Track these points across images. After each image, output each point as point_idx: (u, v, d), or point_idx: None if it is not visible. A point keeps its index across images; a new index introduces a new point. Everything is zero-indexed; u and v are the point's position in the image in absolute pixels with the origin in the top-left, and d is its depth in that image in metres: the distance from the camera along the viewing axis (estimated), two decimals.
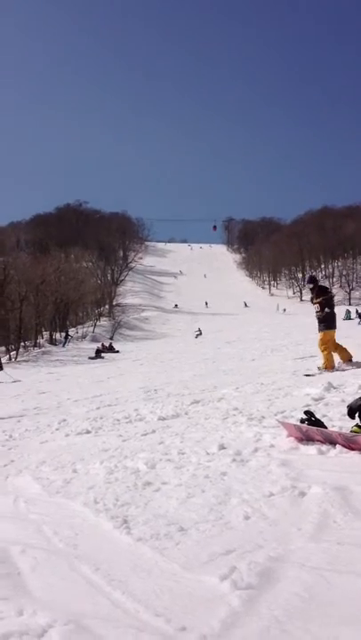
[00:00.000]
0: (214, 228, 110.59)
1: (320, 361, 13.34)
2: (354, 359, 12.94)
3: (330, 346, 13.02)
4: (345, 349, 13.07)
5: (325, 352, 12.90)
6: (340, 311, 60.32)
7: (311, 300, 13.85)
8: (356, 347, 20.84)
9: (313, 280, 14.16)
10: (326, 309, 13.25)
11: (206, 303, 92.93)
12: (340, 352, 13.06)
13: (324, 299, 13.37)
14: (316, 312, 13.45)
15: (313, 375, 12.14)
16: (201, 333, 50.23)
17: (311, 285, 13.94)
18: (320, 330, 13.28)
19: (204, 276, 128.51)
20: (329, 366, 12.68)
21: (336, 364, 12.83)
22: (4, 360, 38.13)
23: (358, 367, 12.50)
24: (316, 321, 13.50)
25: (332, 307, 13.44)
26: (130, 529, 4.13)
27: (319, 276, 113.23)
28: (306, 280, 14.77)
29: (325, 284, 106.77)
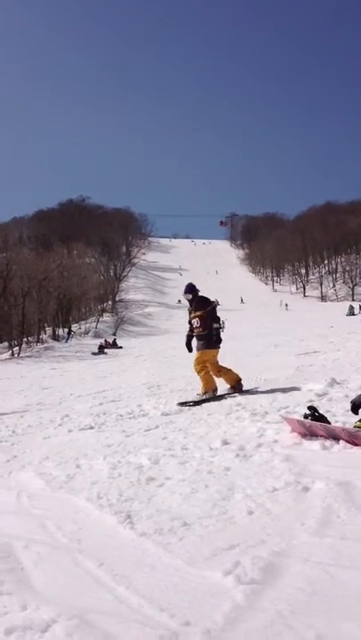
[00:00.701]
0: (221, 223, 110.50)
1: (322, 356, 13.19)
2: (358, 353, 12.77)
3: (209, 367, 10.95)
4: (230, 371, 10.98)
5: (202, 373, 10.79)
6: (343, 307, 60.35)
7: (190, 313, 11.43)
8: (359, 342, 20.89)
9: (191, 289, 11.59)
10: (215, 325, 11.10)
11: (242, 299, 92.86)
12: (224, 375, 10.91)
13: (206, 312, 11.06)
14: (196, 328, 11.09)
15: (190, 404, 10.22)
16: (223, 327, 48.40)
17: (190, 296, 11.47)
18: (198, 348, 11.09)
19: (216, 272, 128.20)
20: (209, 387, 10.63)
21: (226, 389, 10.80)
22: (6, 355, 38.24)
23: (250, 393, 10.49)
24: (198, 339, 11.18)
25: (216, 321, 11.25)
26: (133, 524, 4.13)
27: (323, 271, 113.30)
28: (184, 289, 11.86)
29: (329, 279, 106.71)
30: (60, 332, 53.65)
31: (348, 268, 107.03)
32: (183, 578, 3.17)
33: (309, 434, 6.25)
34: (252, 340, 31.42)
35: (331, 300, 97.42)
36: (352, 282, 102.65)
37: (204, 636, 2.54)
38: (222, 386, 10.80)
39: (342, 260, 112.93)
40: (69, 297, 59.34)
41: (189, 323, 11.25)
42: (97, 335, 53.32)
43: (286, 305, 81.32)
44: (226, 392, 10.55)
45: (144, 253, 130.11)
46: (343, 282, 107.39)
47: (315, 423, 6.28)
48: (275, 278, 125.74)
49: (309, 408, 6.70)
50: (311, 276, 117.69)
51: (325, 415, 6.74)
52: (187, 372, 17.14)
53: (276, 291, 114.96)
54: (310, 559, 3.20)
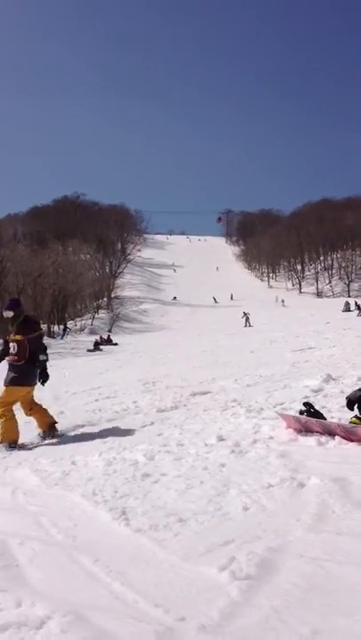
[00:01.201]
0: (218, 219, 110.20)
1: (318, 352, 13.17)
2: (354, 349, 12.80)
3: (27, 407, 8.74)
4: (45, 412, 8.83)
5: (3, 419, 8.24)
6: (339, 303, 60.18)
7: (7, 336, 8.76)
8: (355, 338, 20.92)
9: (14, 305, 8.70)
10: (41, 357, 8.55)
11: (232, 296, 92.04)
12: (36, 415, 8.74)
13: (27, 338, 8.42)
14: (12, 355, 8.43)
15: None
16: (248, 319, 46.58)
17: (11, 313, 8.51)
18: (6, 382, 8.45)
19: (217, 268, 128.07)
20: (8, 438, 8.15)
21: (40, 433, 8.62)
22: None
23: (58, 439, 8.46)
24: (10, 369, 8.53)
25: (42, 351, 8.62)
26: (129, 520, 4.12)
27: (318, 267, 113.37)
28: (6, 305, 8.79)
29: (325, 275, 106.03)
30: (56, 328, 53.65)
31: (343, 265, 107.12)
32: (178, 573, 3.17)
33: (305, 430, 6.25)
34: (247, 336, 31.45)
35: (327, 297, 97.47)
36: (348, 278, 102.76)
37: (199, 631, 2.53)
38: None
39: (338, 256, 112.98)
40: (65, 294, 59.29)
41: (6, 343, 8.69)
42: (92, 332, 53.29)
43: (283, 301, 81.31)
44: (31, 443, 8.37)
45: (139, 250, 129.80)
46: (339, 278, 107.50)
47: (310, 419, 6.29)
48: (270, 274, 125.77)
49: (305, 404, 6.71)
50: (307, 273, 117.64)
51: (321, 411, 6.75)
52: (182, 369, 17.16)
53: (271, 287, 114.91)
54: (306, 555, 3.20)
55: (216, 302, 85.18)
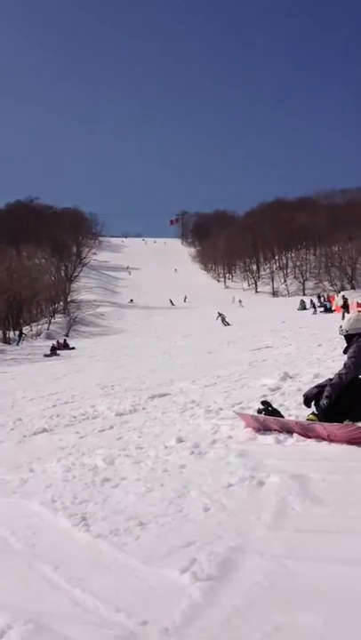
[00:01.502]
0: (171, 222, 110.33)
1: (275, 351, 13.29)
2: (310, 347, 12.93)
3: None
4: None
5: None
6: (294, 301, 60.83)
7: None
8: (310, 336, 21.19)
9: None
10: None
11: (185, 298, 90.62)
12: None
13: None
14: None
15: None
16: (224, 318, 44.72)
17: None
18: None
19: (175, 270, 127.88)
20: None
21: None
22: None
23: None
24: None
25: None
26: (89, 526, 4.09)
27: (273, 267, 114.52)
28: None
29: (280, 275, 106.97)
30: (11, 334, 52.82)
31: (298, 264, 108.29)
32: (140, 577, 3.15)
33: (263, 428, 6.30)
34: (205, 336, 31.55)
35: (282, 296, 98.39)
36: (303, 277, 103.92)
37: (161, 635, 2.53)
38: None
39: (292, 255, 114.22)
40: (20, 299, 58.44)
41: None
42: (49, 337, 52.63)
43: (240, 301, 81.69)
44: None
45: (95, 253, 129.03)
46: (294, 277, 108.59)
47: (268, 417, 6.34)
48: (227, 275, 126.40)
49: (263, 403, 6.77)
50: (263, 272, 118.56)
51: (279, 409, 6.82)
52: (140, 371, 17.12)
53: (228, 287, 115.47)
54: (266, 552, 3.22)
55: (173, 304, 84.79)
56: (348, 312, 32.77)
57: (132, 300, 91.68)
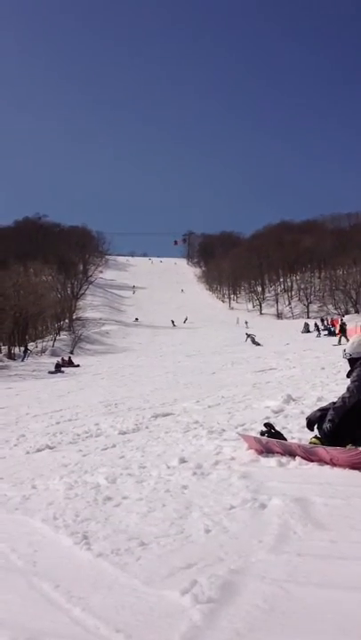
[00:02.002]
0: (175, 242, 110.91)
1: (278, 373, 13.32)
2: (314, 369, 12.93)
3: None
4: None
5: None
6: (299, 324, 60.84)
7: None
8: (314, 359, 21.16)
9: None
10: None
11: (186, 319, 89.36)
12: None
13: None
14: None
15: None
16: (253, 339, 42.61)
17: None
18: None
19: (182, 290, 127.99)
20: None
21: None
22: None
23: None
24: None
25: None
26: (90, 545, 4.08)
27: (278, 289, 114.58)
28: None
29: (285, 297, 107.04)
30: (17, 350, 52.91)
31: (303, 286, 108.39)
32: (140, 598, 3.14)
33: (266, 451, 6.29)
34: (209, 357, 31.54)
35: (287, 318, 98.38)
36: (307, 299, 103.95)
37: None
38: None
39: (297, 278, 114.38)
40: (26, 315, 58.57)
41: None
42: (54, 354, 52.68)
43: (246, 322, 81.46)
44: None
45: (101, 271, 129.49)
46: (298, 299, 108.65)
47: (271, 440, 6.34)
48: (231, 296, 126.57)
49: (266, 425, 6.77)
50: (267, 294, 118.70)
51: (282, 432, 6.81)
52: (143, 390, 17.12)
53: (233, 308, 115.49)
54: (267, 576, 3.21)
55: (174, 325, 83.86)
56: (346, 336, 32.78)
57: (137, 319, 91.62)
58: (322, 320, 59.19)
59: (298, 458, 5.86)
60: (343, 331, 35.43)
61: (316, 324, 52.69)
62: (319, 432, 6.13)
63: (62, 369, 37.34)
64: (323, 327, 50.01)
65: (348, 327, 39.17)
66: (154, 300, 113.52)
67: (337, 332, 42.13)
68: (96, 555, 3.89)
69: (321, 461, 5.64)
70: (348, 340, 30.66)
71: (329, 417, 6.01)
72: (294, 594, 2.97)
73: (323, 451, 5.65)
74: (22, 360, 48.20)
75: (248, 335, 44.95)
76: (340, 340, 32.18)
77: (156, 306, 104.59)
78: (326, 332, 45.97)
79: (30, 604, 3.25)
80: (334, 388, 10.70)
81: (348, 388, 6.15)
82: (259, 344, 40.38)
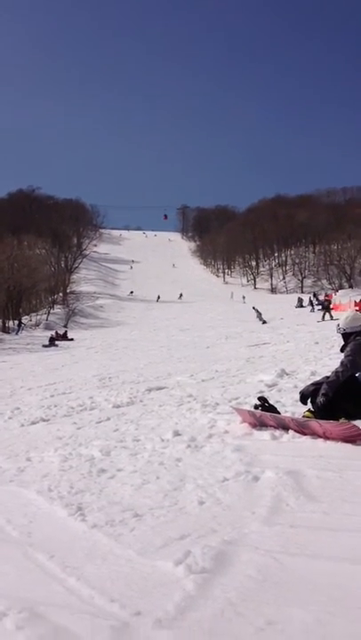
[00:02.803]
0: (165, 217, 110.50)
1: (272, 347, 13.37)
2: (307, 344, 12.97)
3: None
4: None
5: None
6: (293, 299, 60.84)
7: None
8: (308, 333, 21.23)
9: None
10: None
11: (181, 295, 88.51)
12: None
13: None
14: None
15: None
16: (261, 316, 37.31)
17: None
18: None
19: (173, 265, 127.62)
20: None
21: None
22: None
23: None
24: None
25: None
26: (85, 516, 4.11)
27: (273, 264, 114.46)
28: None
29: (279, 272, 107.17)
30: (11, 324, 52.79)
31: (297, 261, 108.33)
32: (134, 568, 3.18)
33: (260, 424, 6.33)
34: (203, 331, 31.58)
35: (281, 293, 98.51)
36: (301, 274, 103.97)
37: (155, 625, 2.55)
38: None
39: (292, 252, 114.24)
40: (19, 289, 58.34)
41: None
42: (48, 327, 52.65)
43: (243, 297, 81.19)
44: None
45: (95, 245, 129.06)
46: (293, 274, 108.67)
47: (265, 413, 6.37)
48: (226, 270, 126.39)
49: (260, 399, 6.80)
50: (262, 269, 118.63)
51: (275, 405, 6.85)
52: (138, 364, 17.15)
53: (227, 283, 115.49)
54: (260, 547, 3.24)
55: (158, 300, 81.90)
56: (330, 312, 32.57)
57: (131, 292, 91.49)
58: (314, 295, 59.17)
59: (291, 431, 5.89)
60: (327, 308, 34.62)
61: (310, 299, 52.75)
62: (313, 406, 6.17)
63: (56, 342, 37.33)
64: (316, 302, 50.05)
65: (342, 302, 39.18)
66: (148, 274, 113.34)
67: (333, 306, 42.20)
68: (90, 526, 3.92)
69: (314, 435, 5.68)
70: (331, 317, 30.82)
71: (322, 391, 6.04)
72: (287, 565, 3.00)
73: (316, 424, 5.69)
74: (16, 333, 48.17)
75: (257, 312, 39.35)
76: (323, 317, 31.97)
77: (150, 280, 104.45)
78: (320, 307, 46.02)
79: (25, 574, 3.28)
80: (328, 363, 10.75)
81: (341, 363, 6.17)
82: (265, 321, 35.37)
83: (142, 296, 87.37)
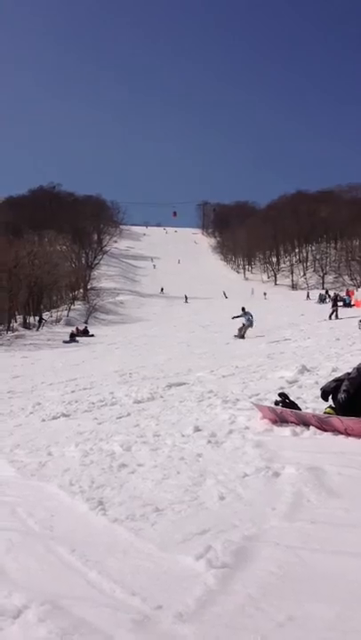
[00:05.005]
0: (174, 214, 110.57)
1: (293, 344, 13.29)
2: (328, 340, 12.88)
3: None
4: None
5: None
6: (314, 295, 60.42)
7: None
8: (329, 330, 21.10)
9: None
10: None
11: (186, 297, 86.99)
12: None
13: None
14: None
15: None
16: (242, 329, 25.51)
17: None
18: None
19: (178, 261, 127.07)
20: None
21: None
22: None
23: None
24: None
25: None
26: (105, 510, 4.14)
27: (293, 260, 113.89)
28: None
29: (300, 268, 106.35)
30: (31, 320, 53.14)
31: (318, 257, 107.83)
32: (155, 562, 3.19)
33: (280, 420, 6.31)
34: (224, 327, 31.52)
35: (301, 289, 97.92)
36: (322, 270, 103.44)
37: (175, 619, 2.56)
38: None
39: (313, 248, 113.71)
40: (40, 285, 58.63)
41: None
42: (68, 323, 52.88)
43: (265, 294, 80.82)
44: None
45: (116, 241, 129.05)
46: (314, 270, 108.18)
47: (286, 410, 6.35)
48: (246, 267, 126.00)
49: (280, 395, 6.77)
50: (282, 265, 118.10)
51: (296, 402, 6.82)
52: (158, 360, 17.18)
53: (247, 279, 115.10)
54: (281, 543, 3.24)
55: (187, 301, 78.06)
56: (337, 312, 31.02)
57: (162, 290, 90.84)
58: (326, 292, 59.11)
59: (312, 427, 5.87)
60: (335, 303, 33.01)
61: (329, 295, 52.37)
62: (334, 402, 6.14)
63: (77, 338, 37.53)
64: (338, 298, 49.56)
65: None
66: (168, 270, 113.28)
67: (354, 302, 41.64)
68: (111, 520, 3.94)
69: (335, 431, 5.65)
70: (337, 317, 29.99)
71: (344, 387, 6.00)
72: (307, 560, 3.00)
73: (337, 420, 5.66)
74: (37, 329, 48.49)
75: (333, 304, 32.73)
76: (330, 316, 30.31)
77: (171, 276, 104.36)
78: (341, 304, 45.64)
79: (47, 567, 3.31)
80: (349, 359, 10.67)
81: None
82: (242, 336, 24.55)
83: (173, 293, 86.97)
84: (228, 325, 32.67)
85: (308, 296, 65.90)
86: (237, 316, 26.31)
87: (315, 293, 63.85)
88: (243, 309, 27.12)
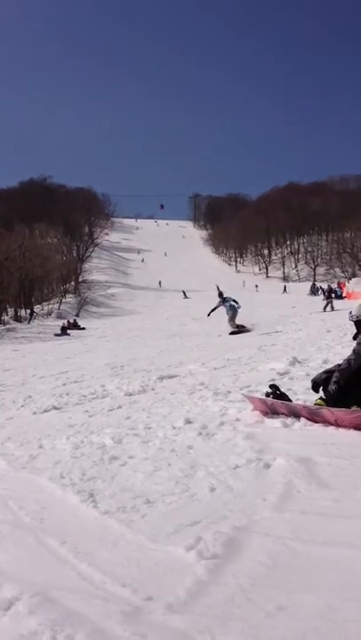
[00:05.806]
0: (161, 207, 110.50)
1: (284, 336, 13.30)
2: (319, 332, 12.91)
3: None
4: None
5: None
6: (305, 287, 60.76)
7: None
8: (320, 321, 21.17)
9: None
10: None
11: (160, 283, 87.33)
12: None
13: None
14: None
15: None
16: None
17: None
18: None
19: (165, 254, 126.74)
20: None
21: None
22: None
23: None
24: None
25: None
26: (96, 502, 4.14)
27: (285, 252, 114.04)
28: None
29: (291, 260, 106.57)
30: (23, 313, 53.05)
31: (309, 249, 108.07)
32: (146, 554, 3.20)
33: (271, 412, 6.33)
34: (215, 319, 31.55)
35: (293, 281, 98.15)
36: (314, 262, 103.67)
37: (166, 610, 2.56)
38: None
39: (304, 240, 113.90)
40: (31, 278, 58.52)
41: None
42: (60, 316, 52.86)
43: (256, 286, 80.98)
44: None
45: (107, 234, 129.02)
46: (305, 262, 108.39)
47: (276, 401, 6.37)
48: (238, 259, 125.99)
49: (271, 386, 6.79)
50: (274, 257, 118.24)
51: (287, 393, 6.84)
52: (149, 353, 17.17)
53: (239, 271, 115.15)
54: (271, 533, 3.25)
55: (186, 297, 78.42)
56: (332, 304, 31.34)
57: (160, 283, 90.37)
58: (313, 285, 59.50)
59: (303, 419, 5.89)
60: (330, 296, 33.62)
61: (321, 288, 52.56)
62: (324, 394, 6.15)
63: (68, 331, 37.50)
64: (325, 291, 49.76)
65: (355, 290, 38.84)
66: (160, 263, 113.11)
67: (345, 294, 41.79)
68: (102, 512, 3.94)
69: (326, 422, 5.67)
70: (332, 309, 30.19)
71: (334, 379, 6.02)
72: (298, 551, 3.01)
73: (328, 412, 5.68)
74: (28, 322, 48.43)
75: (327, 296, 33.90)
76: (325, 308, 30.58)
77: (163, 269, 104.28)
78: (333, 295, 45.77)
79: (38, 559, 3.32)
80: (340, 351, 10.70)
81: (353, 351, 6.14)
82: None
83: (154, 285, 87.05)
84: (220, 317, 32.75)
85: (284, 289, 69.05)
86: (214, 309, 23.46)
87: (291, 287, 66.21)
88: (220, 294, 23.76)
